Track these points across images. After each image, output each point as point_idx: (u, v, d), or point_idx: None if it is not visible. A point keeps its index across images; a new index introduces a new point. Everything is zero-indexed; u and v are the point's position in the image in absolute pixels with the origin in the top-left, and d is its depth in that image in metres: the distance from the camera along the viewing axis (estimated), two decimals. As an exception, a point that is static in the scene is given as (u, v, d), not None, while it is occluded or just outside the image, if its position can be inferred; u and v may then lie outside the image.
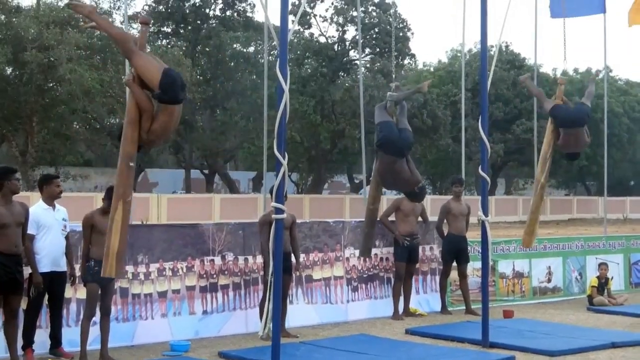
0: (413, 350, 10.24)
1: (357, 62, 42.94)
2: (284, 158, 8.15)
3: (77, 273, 9.56)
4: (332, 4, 44.39)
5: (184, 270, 10.95)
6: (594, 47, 25.69)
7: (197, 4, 44.92)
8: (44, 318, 9.39)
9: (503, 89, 49.78)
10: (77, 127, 40.93)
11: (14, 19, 34.49)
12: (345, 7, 43.72)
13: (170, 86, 8.05)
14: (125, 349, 9.97)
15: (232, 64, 43.76)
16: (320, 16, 44.72)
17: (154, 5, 44.20)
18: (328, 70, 43.17)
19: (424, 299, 13.67)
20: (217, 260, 11.28)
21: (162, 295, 10.71)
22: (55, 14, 35.01)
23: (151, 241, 10.71)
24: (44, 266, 9.02)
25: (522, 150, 48.44)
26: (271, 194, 9.09)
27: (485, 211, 10.65)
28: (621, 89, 57.90)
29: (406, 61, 48.54)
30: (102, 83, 34.36)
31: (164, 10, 44.34)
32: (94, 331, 9.35)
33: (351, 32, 44.38)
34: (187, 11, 44.60)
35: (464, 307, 13.53)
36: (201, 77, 43.56)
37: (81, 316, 9.49)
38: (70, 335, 9.57)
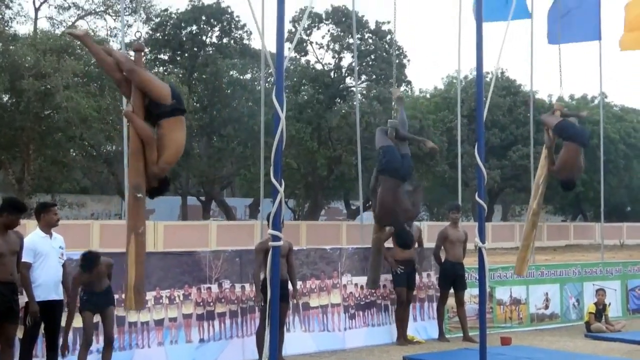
0: (411, 378, 10.20)
1: (354, 88, 43.10)
2: (280, 185, 8.13)
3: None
4: (329, 31, 44.64)
5: (181, 298, 10.91)
6: (589, 74, 25.84)
7: (194, 32, 45.11)
8: (40, 347, 9.33)
9: (499, 115, 49.93)
10: (74, 154, 40.95)
11: (11, 47, 34.59)
12: (342, 34, 43.94)
13: (180, 96, 8.13)
14: (122, 378, 9.92)
15: (229, 91, 43.88)
16: (316, 43, 44.99)
17: (150, 32, 44.38)
18: (324, 97, 43.31)
19: (422, 326, 13.64)
20: (214, 288, 11.25)
21: (159, 323, 10.67)
22: (52, 41, 35.13)
23: (148, 269, 10.60)
24: (41, 295, 8.96)
25: (519, 177, 48.48)
26: (268, 221, 9.08)
27: (482, 237, 10.60)
28: (617, 115, 58.11)
29: (402, 88, 48.69)
30: (99, 110, 34.40)
31: (160, 37, 44.52)
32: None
33: (347, 59, 44.63)
34: (184, 38, 44.78)
35: (462, 334, 13.49)
36: (198, 104, 43.64)
37: (78, 345, 9.44)
38: (67, 364, 9.52)
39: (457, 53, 15.95)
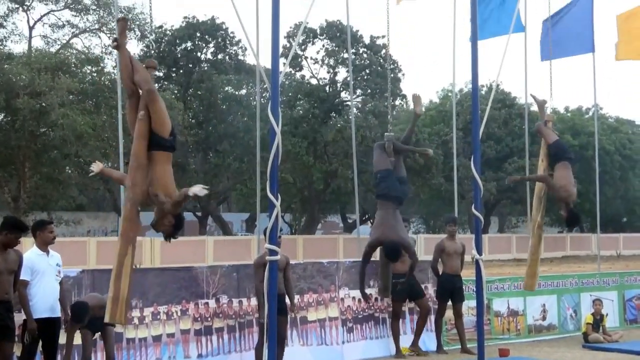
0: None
1: (349, 103, 43.21)
2: (277, 199, 8.16)
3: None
4: (323, 46, 44.79)
5: (179, 313, 10.91)
6: (584, 85, 25.93)
7: (189, 48, 45.23)
8: (38, 364, 9.33)
9: (494, 127, 50.06)
10: (70, 171, 40.93)
11: (5, 66, 34.63)
12: (336, 49, 44.09)
13: (175, 135, 8.19)
14: (120, 394, 9.91)
15: (224, 106, 43.98)
16: (311, 58, 45.13)
17: (145, 49, 44.48)
18: (320, 111, 43.41)
19: (420, 338, 13.61)
20: (212, 303, 11.25)
21: (157, 339, 10.66)
22: (47, 60, 35.21)
23: (145, 285, 10.67)
24: (38, 312, 8.96)
25: (515, 189, 48.49)
26: (265, 236, 9.10)
27: (479, 250, 10.65)
28: (612, 126, 58.27)
29: (397, 102, 48.85)
30: (95, 127, 34.43)
31: (155, 54, 44.59)
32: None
33: (342, 73, 44.78)
34: (179, 55, 44.91)
35: (460, 346, 13.48)
36: (193, 120, 43.73)
37: (76, 362, 9.45)
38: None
39: (452, 66, 16.02)
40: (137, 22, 41.74)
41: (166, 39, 44.85)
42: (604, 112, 61.33)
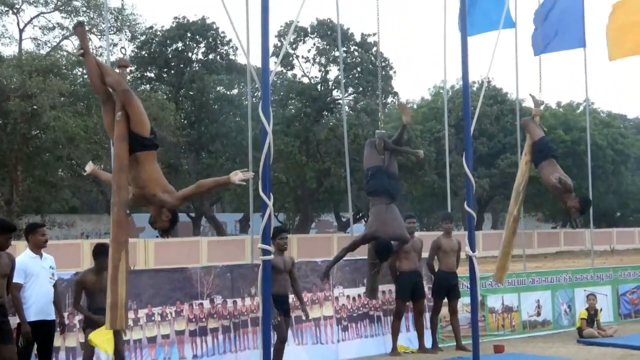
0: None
1: (341, 101, 43.19)
2: (269, 199, 8.16)
3: (66, 321, 9.53)
4: (314, 44, 44.75)
5: (173, 315, 10.89)
6: (576, 81, 25.97)
7: (180, 48, 45.18)
8: (32, 367, 9.31)
9: (486, 124, 50.09)
10: (62, 174, 40.85)
11: (-5, 69, 34.55)
12: (327, 47, 44.06)
13: (155, 132, 8.14)
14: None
15: (216, 106, 43.93)
16: (302, 57, 45.07)
17: (136, 50, 44.41)
18: (312, 110, 43.38)
19: (414, 335, 13.62)
20: (206, 303, 11.24)
21: (152, 340, 10.65)
22: (38, 62, 35.10)
23: (139, 287, 10.65)
24: (32, 315, 8.95)
25: (507, 185, 48.43)
26: (272, 235, 9.11)
27: (473, 246, 10.66)
28: (604, 121, 58.35)
29: (389, 99, 48.83)
30: (86, 129, 34.36)
31: (146, 55, 44.55)
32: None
33: (334, 72, 44.76)
34: (170, 55, 44.86)
35: (455, 343, 13.49)
36: (185, 121, 43.68)
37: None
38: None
39: (443, 63, 16.02)
40: (128, 23, 41.67)
41: (157, 39, 44.78)
42: (596, 107, 61.48)
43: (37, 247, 9.27)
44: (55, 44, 41.88)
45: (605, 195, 55.14)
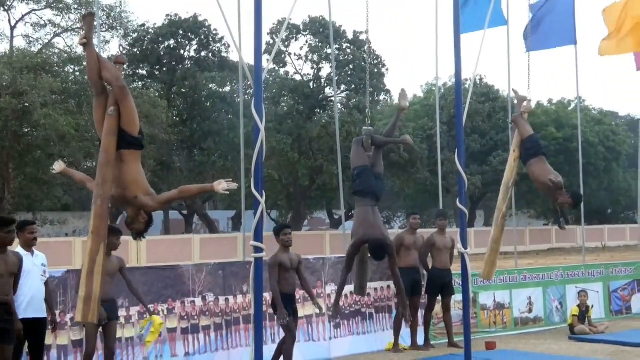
0: (397, 386, 10.20)
1: (333, 99, 43.16)
2: (261, 196, 8.16)
3: (58, 319, 9.51)
4: (307, 42, 44.74)
5: (165, 312, 10.89)
6: (567, 78, 26.01)
7: (172, 46, 45.09)
8: (24, 366, 9.29)
9: (479, 121, 50.19)
10: (54, 172, 40.67)
11: (-14, 67, 34.41)
12: (320, 44, 44.04)
13: (143, 133, 8.17)
14: (108, 394, 9.88)
15: (208, 104, 43.87)
16: (295, 54, 45.06)
17: (128, 48, 44.31)
18: (304, 107, 43.38)
19: (407, 333, 13.63)
20: (198, 301, 11.24)
21: (144, 338, 10.64)
22: (29, 59, 34.96)
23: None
24: (24, 312, 8.91)
25: (500, 182, 47.97)
26: (275, 234, 9.10)
27: (465, 244, 10.67)
28: (595, 118, 58.48)
29: (382, 97, 48.84)
30: (78, 127, 34.23)
31: (138, 52, 44.44)
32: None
33: (326, 69, 44.73)
34: (162, 53, 44.77)
35: (447, 340, 13.51)
36: (177, 118, 43.59)
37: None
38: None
39: (435, 61, 16.02)
40: (120, 21, 41.59)
41: (149, 37, 44.69)
42: (588, 104, 61.63)
43: (27, 245, 9.25)
44: (46, 41, 41.80)
45: (596, 192, 55.26)
